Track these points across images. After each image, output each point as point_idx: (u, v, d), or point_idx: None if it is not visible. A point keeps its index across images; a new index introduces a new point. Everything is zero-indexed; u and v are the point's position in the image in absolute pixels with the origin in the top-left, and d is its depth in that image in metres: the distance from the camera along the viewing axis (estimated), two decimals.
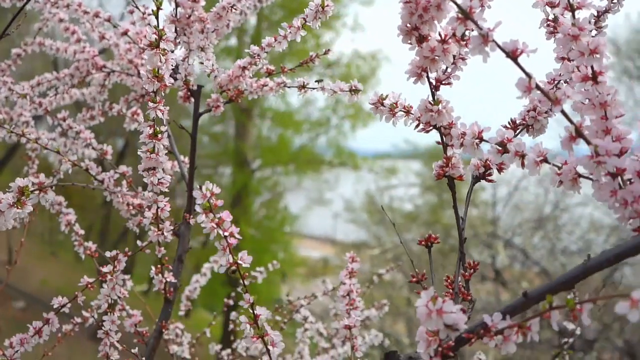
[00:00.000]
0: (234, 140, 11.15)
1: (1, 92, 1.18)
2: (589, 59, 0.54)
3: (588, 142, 0.52)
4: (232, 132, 11.39)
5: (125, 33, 1.06)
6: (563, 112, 0.52)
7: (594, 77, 0.55)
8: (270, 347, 0.66)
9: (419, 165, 11.03)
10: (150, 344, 1.02)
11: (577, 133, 0.53)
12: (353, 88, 0.85)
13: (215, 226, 0.63)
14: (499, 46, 0.52)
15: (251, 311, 0.67)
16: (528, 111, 0.71)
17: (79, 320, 1.13)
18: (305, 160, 11.24)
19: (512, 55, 0.52)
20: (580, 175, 0.56)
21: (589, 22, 0.74)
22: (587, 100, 0.57)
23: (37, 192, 0.69)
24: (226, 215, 0.64)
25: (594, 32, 0.75)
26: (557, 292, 0.52)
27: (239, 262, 0.65)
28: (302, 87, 0.96)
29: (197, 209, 0.63)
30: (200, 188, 0.63)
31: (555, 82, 0.72)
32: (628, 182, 0.54)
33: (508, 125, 0.71)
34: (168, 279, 0.99)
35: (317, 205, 12.02)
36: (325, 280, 1.50)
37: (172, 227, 0.93)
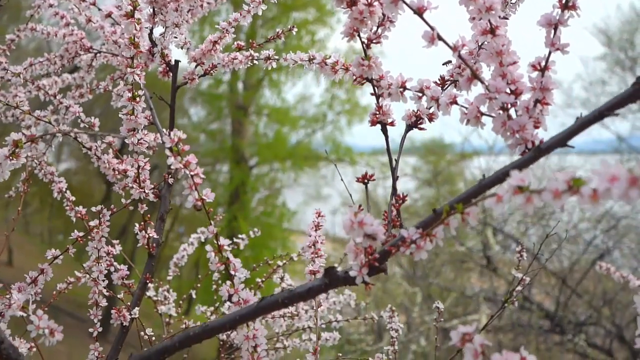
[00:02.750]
0: (231, 138, 11.25)
1: None
2: (485, 15, 0.65)
3: (482, 82, 0.63)
4: (229, 130, 11.49)
5: (109, 15, 1.17)
6: (460, 57, 0.63)
7: (492, 31, 0.66)
8: (232, 273, 0.77)
9: (415, 160, 11.16)
10: (136, 294, 1.13)
11: (474, 75, 0.64)
12: (310, 57, 0.95)
13: (182, 167, 0.74)
14: (407, 4, 0.63)
15: (215, 242, 0.77)
16: (454, 68, 0.81)
17: (72, 279, 1.24)
18: (302, 156, 11.35)
19: (419, 11, 0.63)
20: (482, 114, 0.67)
21: None
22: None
23: (29, 143, 0.80)
24: (192, 158, 0.75)
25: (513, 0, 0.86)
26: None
27: (204, 197, 0.76)
28: (268, 58, 1.07)
29: (167, 152, 0.74)
30: (169, 134, 0.74)
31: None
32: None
33: (437, 81, 0.82)
34: (151, 235, 1.10)
35: (315, 201, 12.11)
36: (303, 247, 1.61)
37: (152, 186, 1.04)
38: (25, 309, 0.73)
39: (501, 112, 0.63)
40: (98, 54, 1.33)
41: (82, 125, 1.22)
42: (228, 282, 0.78)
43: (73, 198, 1.24)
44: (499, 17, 0.65)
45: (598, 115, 0.57)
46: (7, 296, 0.76)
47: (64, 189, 1.24)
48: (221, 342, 1.51)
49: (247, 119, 11.34)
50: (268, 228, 10.92)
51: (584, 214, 7.22)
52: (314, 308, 1.51)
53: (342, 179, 1.14)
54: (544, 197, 0.46)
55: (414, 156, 11.22)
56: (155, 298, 1.42)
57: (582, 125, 0.58)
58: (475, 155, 9.57)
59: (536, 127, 0.64)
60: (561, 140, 0.59)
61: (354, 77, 0.76)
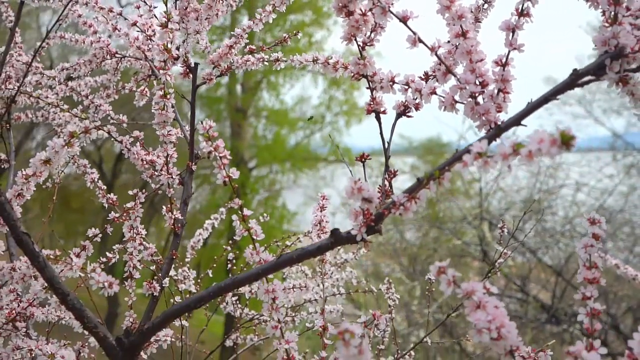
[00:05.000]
0: (230, 140, 11.41)
1: (32, 77, 1.45)
2: (457, 21, 0.81)
3: (455, 76, 0.79)
4: (228, 132, 11.65)
5: (134, 24, 1.32)
6: (437, 56, 0.79)
7: (464, 34, 0.82)
8: (254, 237, 0.93)
9: (414, 160, 11.32)
10: (164, 269, 1.28)
11: (448, 70, 0.80)
12: (314, 58, 1.11)
13: (213, 150, 0.90)
14: (394, 14, 0.79)
15: (240, 212, 0.93)
16: (435, 65, 0.97)
17: (104, 259, 1.40)
18: (301, 157, 11.51)
19: (403, 19, 0.79)
20: (456, 101, 0.83)
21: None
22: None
23: (83, 134, 0.96)
24: (220, 142, 0.91)
25: (485, 6, 1.02)
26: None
27: (230, 174, 0.91)
28: (277, 60, 1.23)
29: (200, 138, 0.90)
30: (202, 122, 0.90)
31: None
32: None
33: (422, 76, 0.98)
34: (176, 216, 1.26)
35: (315, 202, 12.23)
36: (309, 229, 1.77)
37: (179, 172, 1.20)
38: (84, 269, 0.89)
39: (470, 99, 0.79)
40: (123, 59, 1.49)
41: (111, 121, 1.38)
42: (250, 246, 0.93)
43: (104, 187, 1.40)
44: (470, 22, 0.81)
45: (543, 100, 0.73)
46: (67, 260, 0.91)
47: (96, 179, 1.40)
48: (235, 319, 1.67)
49: (246, 121, 11.50)
50: (268, 229, 11.07)
51: (579, 208, 7.39)
52: (319, 285, 1.67)
53: (350, 170, 1.29)
54: (496, 159, 0.62)
55: (412, 156, 11.37)
56: (175, 277, 1.57)
57: (532, 108, 0.74)
58: None
59: (499, 111, 0.80)
60: (516, 121, 0.75)
61: (352, 74, 0.92)
